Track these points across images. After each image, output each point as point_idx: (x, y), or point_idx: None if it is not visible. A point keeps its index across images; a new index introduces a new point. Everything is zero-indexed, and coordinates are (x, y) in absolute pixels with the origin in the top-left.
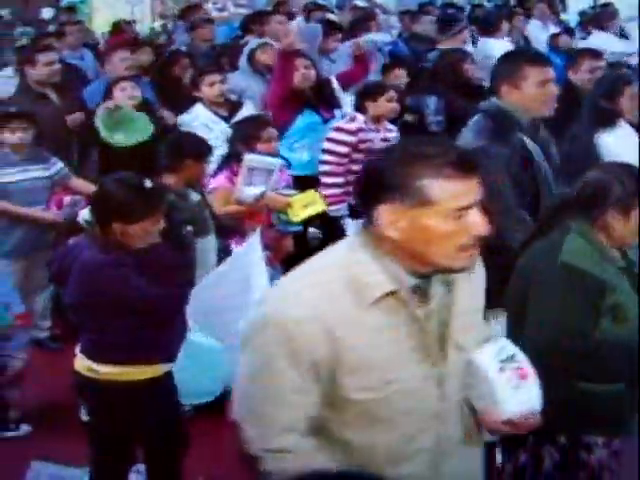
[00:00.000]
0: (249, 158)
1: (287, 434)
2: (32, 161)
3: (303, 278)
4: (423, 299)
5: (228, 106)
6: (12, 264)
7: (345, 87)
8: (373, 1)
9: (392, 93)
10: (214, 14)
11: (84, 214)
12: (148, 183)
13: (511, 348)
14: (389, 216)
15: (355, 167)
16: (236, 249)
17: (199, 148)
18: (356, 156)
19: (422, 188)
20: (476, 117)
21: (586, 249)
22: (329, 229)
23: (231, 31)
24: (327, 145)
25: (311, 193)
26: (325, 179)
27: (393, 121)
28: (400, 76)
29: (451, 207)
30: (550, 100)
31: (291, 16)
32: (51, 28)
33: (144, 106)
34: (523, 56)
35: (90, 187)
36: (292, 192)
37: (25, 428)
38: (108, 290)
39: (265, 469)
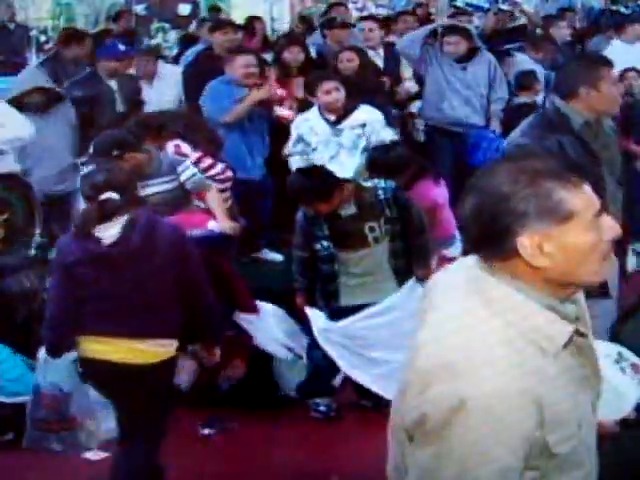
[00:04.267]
0: None
1: None
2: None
3: (467, 343)
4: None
5: (339, 112)
6: None
7: None
8: (517, 5)
9: None
10: (354, 14)
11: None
12: None
13: (613, 347)
14: (533, 244)
15: None
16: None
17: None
18: None
19: (560, 203)
20: (532, 116)
21: None
22: None
23: None
24: None
25: None
26: None
27: None
28: None
29: (589, 215)
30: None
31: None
32: (193, 24)
33: None
34: (598, 59)
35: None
36: None
37: None
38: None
39: None
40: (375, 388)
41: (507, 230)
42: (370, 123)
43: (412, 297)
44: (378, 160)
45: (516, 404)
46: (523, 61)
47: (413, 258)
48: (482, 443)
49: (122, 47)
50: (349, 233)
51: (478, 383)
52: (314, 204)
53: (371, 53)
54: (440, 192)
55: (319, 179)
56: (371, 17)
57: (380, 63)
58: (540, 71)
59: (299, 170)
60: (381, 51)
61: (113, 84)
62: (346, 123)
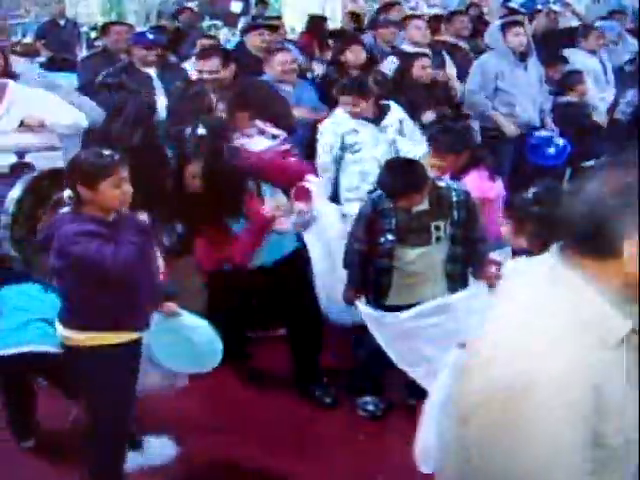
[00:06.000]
0: None
1: None
2: None
3: (536, 326)
4: None
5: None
6: None
7: None
8: (570, 6)
9: None
10: (407, 13)
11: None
12: (106, 151)
13: None
14: (632, 250)
15: None
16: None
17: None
18: None
19: None
20: None
21: None
22: None
23: None
24: None
25: None
26: None
27: None
28: None
29: None
30: None
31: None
32: (242, 21)
33: None
34: None
35: None
36: None
37: None
38: (72, 257)
39: None
40: (424, 384)
41: (615, 233)
42: (404, 120)
43: (472, 298)
44: (442, 132)
45: (578, 390)
46: (576, 61)
47: (471, 264)
48: (549, 424)
49: (151, 36)
50: (415, 229)
51: (542, 367)
52: (409, 196)
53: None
54: (493, 187)
55: (414, 170)
56: (419, 16)
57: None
58: (595, 64)
59: (389, 164)
60: (427, 50)
61: (152, 73)
62: (387, 121)
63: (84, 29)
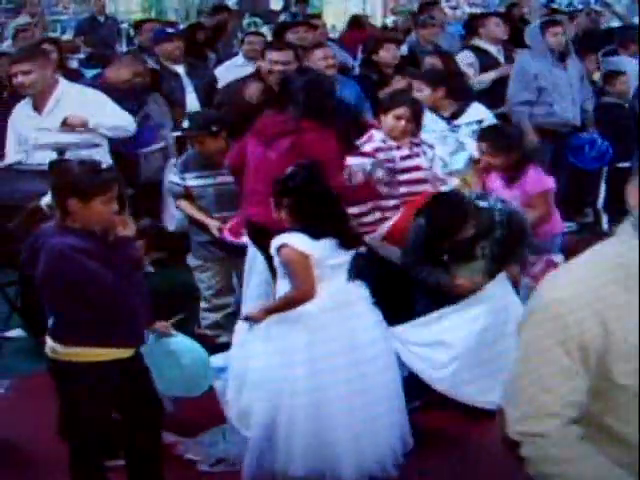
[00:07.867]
0: None
1: (549, 419)
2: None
3: (577, 267)
4: None
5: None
6: None
7: None
8: (610, 7)
9: (402, 110)
10: (448, 12)
11: (46, 200)
12: (104, 165)
13: None
14: None
15: (385, 189)
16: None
17: None
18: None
19: None
20: None
21: None
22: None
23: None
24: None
25: None
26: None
27: None
28: None
29: None
30: None
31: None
32: (281, 19)
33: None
34: None
35: None
36: None
37: None
38: (64, 273)
39: (523, 455)
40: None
41: None
42: (487, 119)
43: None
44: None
45: (577, 311)
46: (618, 62)
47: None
48: (544, 340)
49: (169, 30)
50: (461, 250)
51: (554, 292)
52: (458, 232)
53: (493, 49)
54: (551, 179)
55: (461, 207)
56: (498, 13)
57: (501, 59)
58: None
59: (438, 200)
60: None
61: (181, 70)
62: (462, 119)
63: (124, 26)
